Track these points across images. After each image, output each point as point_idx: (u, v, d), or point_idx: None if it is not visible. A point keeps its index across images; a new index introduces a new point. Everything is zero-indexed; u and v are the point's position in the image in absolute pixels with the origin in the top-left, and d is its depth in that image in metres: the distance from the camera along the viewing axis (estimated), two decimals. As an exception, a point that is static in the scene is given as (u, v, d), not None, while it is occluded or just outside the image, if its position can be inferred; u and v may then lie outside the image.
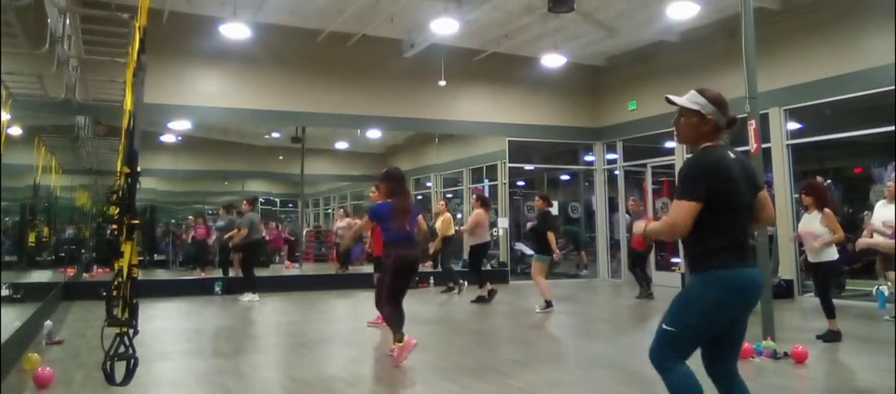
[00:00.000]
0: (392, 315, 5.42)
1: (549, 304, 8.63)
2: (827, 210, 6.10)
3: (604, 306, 10.16)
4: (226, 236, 11.28)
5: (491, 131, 13.68)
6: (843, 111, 10.01)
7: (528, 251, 9.48)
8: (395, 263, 5.42)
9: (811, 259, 6.27)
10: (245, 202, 10.62)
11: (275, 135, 16.07)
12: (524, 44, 12.30)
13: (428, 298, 10.55)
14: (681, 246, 10.53)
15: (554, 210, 14.31)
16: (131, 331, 3.36)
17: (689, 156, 2.65)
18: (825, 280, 6.26)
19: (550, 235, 8.71)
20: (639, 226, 2.83)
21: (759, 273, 2.64)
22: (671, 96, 2.74)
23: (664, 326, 2.62)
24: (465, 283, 11.14)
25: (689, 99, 2.67)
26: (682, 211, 2.50)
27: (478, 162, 15.08)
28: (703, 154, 2.61)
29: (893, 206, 6.62)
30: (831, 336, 6.13)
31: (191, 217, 15.92)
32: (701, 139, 2.65)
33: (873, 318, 7.90)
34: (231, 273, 11.49)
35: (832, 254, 6.15)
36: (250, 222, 10.18)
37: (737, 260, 2.56)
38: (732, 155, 2.62)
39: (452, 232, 11.08)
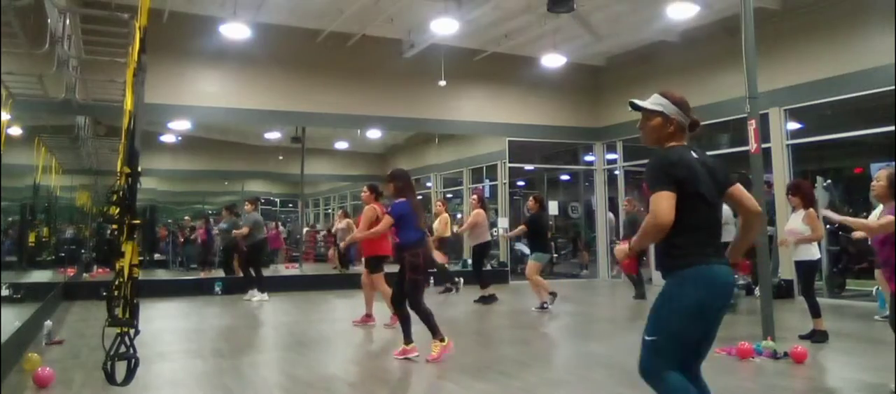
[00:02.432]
0: (428, 314, 5.48)
1: (553, 297, 8.73)
2: (810, 210, 6.13)
3: (604, 306, 10.16)
4: (234, 233, 11.18)
5: (491, 131, 13.68)
6: (843, 111, 10.01)
7: (527, 250, 9.50)
8: (425, 261, 5.56)
9: (793, 257, 6.35)
10: (247, 203, 10.62)
11: (270, 136, 16.02)
12: (524, 44, 12.29)
13: (426, 298, 10.54)
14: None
15: (553, 210, 14.38)
16: (132, 331, 3.35)
17: (655, 154, 2.66)
18: (807, 279, 6.28)
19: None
20: (620, 250, 2.89)
21: (730, 271, 2.62)
22: (635, 100, 2.78)
23: (646, 337, 2.57)
24: (461, 280, 11.14)
25: (652, 102, 2.72)
26: (660, 202, 2.46)
27: (478, 162, 15.08)
28: (665, 151, 2.64)
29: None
30: (818, 336, 6.11)
31: (187, 217, 15.90)
32: (665, 140, 2.69)
33: (873, 318, 7.89)
34: (240, 273, 11.43)
35: (812, 253, 6.19)
36: (253, 222, 10.19)
37: (710, 256, 2.54)
38: (695, 154, 2.64)
39: (449, 233, 11.10)
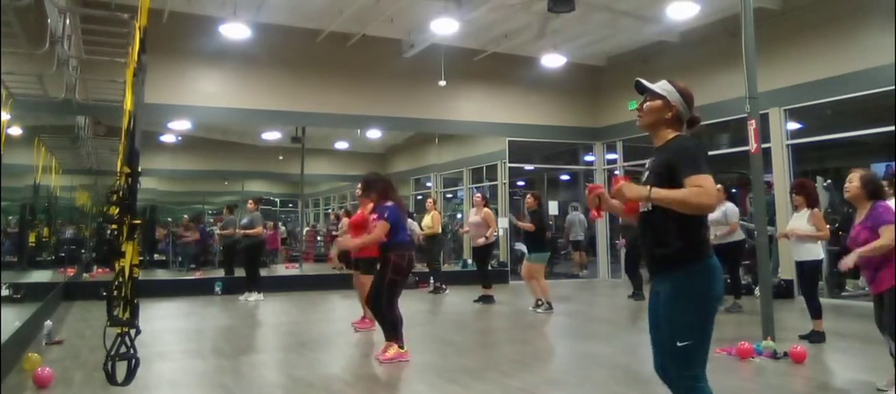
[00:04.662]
0: (398, 320, 5.47)
1: (549, 305, 8.65)
2: (815, 210, 6.09)
3: (603, 306, 10.16)
4: (240, 233, 11.15)
5: (491, 131, 13.68)
6: (843, 111, 10.01)
7: (526, 249, 9.36)
8: (409, 265, 5.57)
9: (795, 257, 6.30)
10: (251, 201, 10.63)
11: (270, 136, 16.00)
12: (524, 44, 12.29)
13: (423, 298, 10.55)
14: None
15: (553, 210, 14.37)
16: (133, 331, 3.35)
17: (682, 137, 2.59)
18: (810, 280, 6.23)
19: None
20: (630, 189, 2.53)
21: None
22: (641, 80, 2.70)
23: (679, 343, 2.43)
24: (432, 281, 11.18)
25: (659, 86, 2.66)
26: (711, 185, 2.38)
27: (478, 162, 15.08)
28: (690, 138, 2.58)
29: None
30: (816, 337, 6.08)
31: (186, 217, 15.89)
32: (660, 125, 2.62)
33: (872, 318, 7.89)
34: (237, 273, 11.43)
35: (816, 253, 6.15)
36: (257, 220, 10.22)
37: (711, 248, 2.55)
38: None
39: (437, 231, 11.12)
